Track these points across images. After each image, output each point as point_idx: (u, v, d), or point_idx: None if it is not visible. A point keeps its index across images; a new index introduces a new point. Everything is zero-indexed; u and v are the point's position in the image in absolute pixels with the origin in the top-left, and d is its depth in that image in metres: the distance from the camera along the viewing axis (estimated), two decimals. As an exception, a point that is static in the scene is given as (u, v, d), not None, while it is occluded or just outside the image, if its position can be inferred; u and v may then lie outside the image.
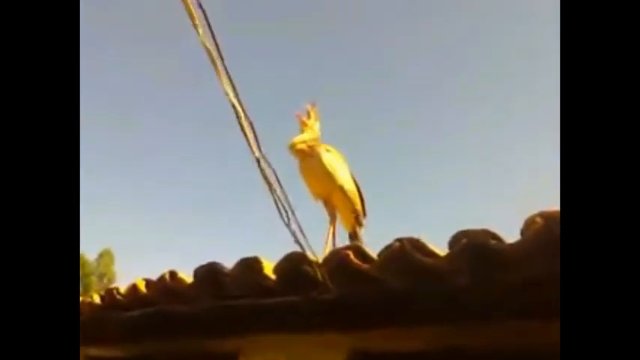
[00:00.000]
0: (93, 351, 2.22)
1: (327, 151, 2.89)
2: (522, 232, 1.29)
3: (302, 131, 2.98)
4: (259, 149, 1.07)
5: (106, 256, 18.08)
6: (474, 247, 1.29)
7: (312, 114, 3.01)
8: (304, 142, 2.90)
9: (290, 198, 1.20)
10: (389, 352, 1.50)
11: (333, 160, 2.88)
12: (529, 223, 1.27)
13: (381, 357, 1.52)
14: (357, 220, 2.93)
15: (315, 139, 2.93)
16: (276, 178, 1.11)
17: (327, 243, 2.75)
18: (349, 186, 2.90)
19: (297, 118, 2.99)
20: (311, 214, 2.94)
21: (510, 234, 1.30)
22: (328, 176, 2.80)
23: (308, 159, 2.84)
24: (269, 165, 1.11)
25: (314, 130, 3.00)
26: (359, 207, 2.94)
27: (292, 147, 2.88)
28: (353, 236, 2.99)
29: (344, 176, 2.89)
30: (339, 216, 2.91)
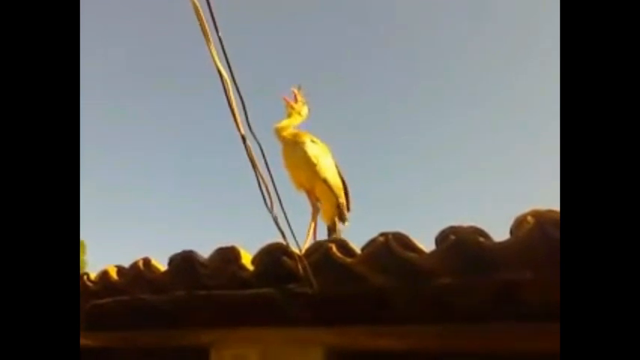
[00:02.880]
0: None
1: (312, 142, 2.82)
2: (512, 231, 1.25)
3: (289, 115, 2.89)
4: (248, 125, 0.98)
5: (77, 244, 17.72)
6: (462, 244, 1.24)
7: (299, 97, 2.93)
8: (289, 127, 2.82)
9: (276, 182, 1.12)
10: (368, 351, 1.44)
11: (318, 152, 2.80)
12: (519, 222, 1.23)
13: (359, 356, 1.47)
14: (340, 214, 2.86)
15: (299, 129, 2.86)
16: (264, 158, 1.03)
17: (307, 236, 2.69)
18: (333, 179, 2.83)
19: (284, 101, 2.91)
20: (300, 204, 2.86)
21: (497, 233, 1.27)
22: (311, 167, 2.73)
23: (292, 148, 2.76)
24: (257, 143, 1.02)
25: (302, 114, 2.92)
26: (343, 200, 2.87)
27: (277, 132, 2.80)
28: (332, 229, 2.93)
29: (328, 168, 2.82)
30: (321, 209, 2.84)
